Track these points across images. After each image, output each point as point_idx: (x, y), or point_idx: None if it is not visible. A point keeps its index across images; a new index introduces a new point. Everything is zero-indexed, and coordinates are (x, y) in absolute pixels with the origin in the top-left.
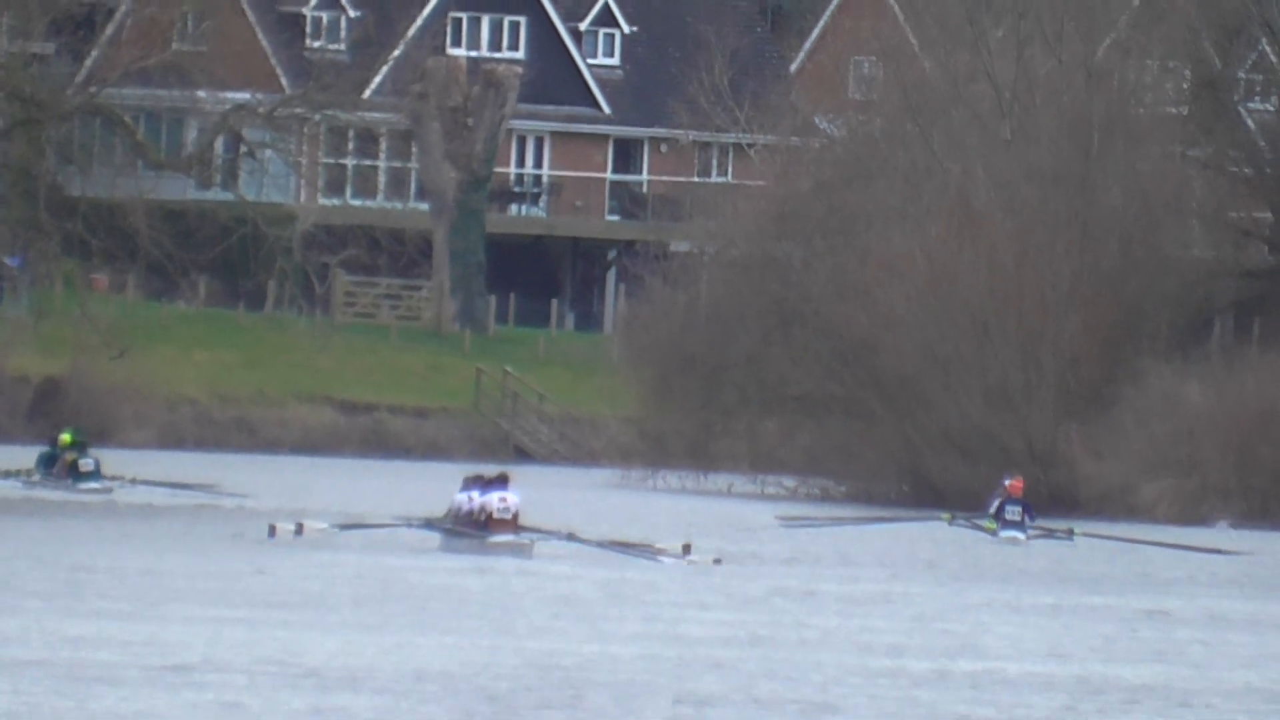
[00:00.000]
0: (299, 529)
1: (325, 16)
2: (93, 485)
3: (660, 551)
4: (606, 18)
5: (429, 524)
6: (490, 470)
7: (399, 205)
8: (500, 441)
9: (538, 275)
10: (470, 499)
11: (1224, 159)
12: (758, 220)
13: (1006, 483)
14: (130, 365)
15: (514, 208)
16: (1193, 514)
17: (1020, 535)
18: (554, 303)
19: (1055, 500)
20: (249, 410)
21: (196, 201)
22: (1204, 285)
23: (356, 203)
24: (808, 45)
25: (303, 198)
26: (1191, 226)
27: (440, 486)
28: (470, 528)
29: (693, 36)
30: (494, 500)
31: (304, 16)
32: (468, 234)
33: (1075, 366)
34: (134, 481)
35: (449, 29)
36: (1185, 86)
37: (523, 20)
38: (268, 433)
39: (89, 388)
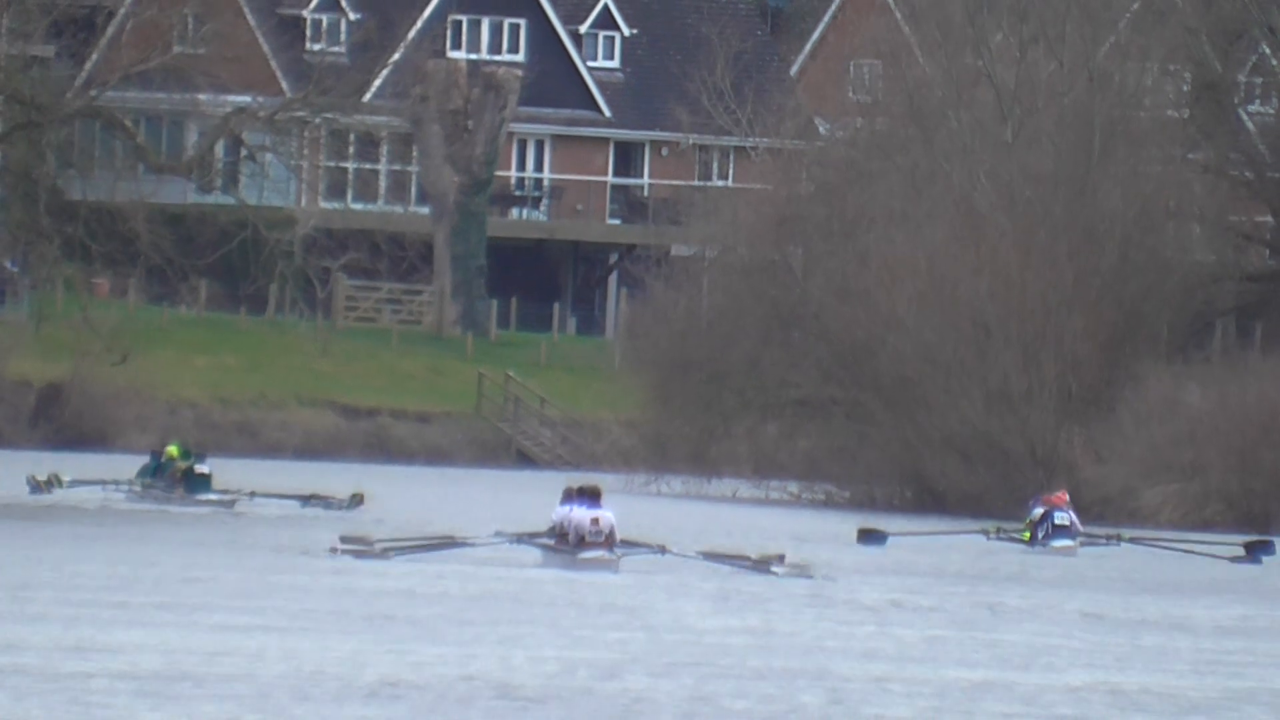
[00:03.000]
0: (363, 547)
1: (325, 19)
2: (210, 496)
3: (763, 562)
4: (607, 20)
5: (520, 539)
6: (580, 479)
7: (400, 209)
8: (503, 446)
9: (539, 279)
10: (569, 512)
11: (1225, 162)
12: (759, 224)
13: (1039, 501)
14: (131, 369)
15: (515, 211)
16: (1195, 518)
17: (1070, 542)
18: (555, 306)
19: None
20: (250, 414)
21: (197, 205)
22: (1205, 289)
23: (357, 206)
24: (808, 48)
25: (303, 201)
26: (1192, 230)
27: (541, 499)
28: (564, 543)
29: (693, 39)
30: (586, 521)
31: (304, 19)
32: (469, 237)
33: (1077, 370)
34: (253, 495)
35: (449, 32)
36: (1186, 90)
37: (523, 23)
38: (269, 436)
39: (90, 392)
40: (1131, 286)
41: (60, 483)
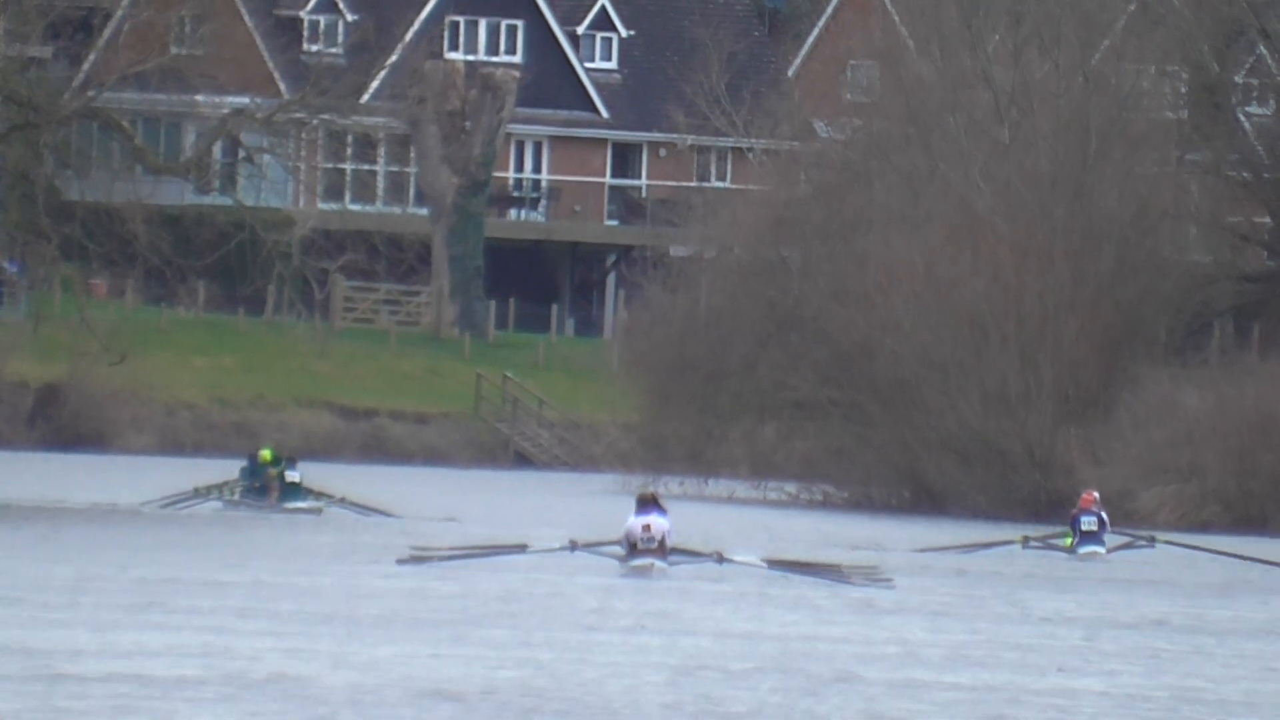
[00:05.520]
0: (421, 556)
1: (323, 20)
2: (299, 504)
3: (832, 569)
4: (604, 21)
5: (576, 547)
6: (641, 485)
7: (398, 210)
8: (500, 447)
9: (537, 280)
10: (631, 520)
11: (1222, 164)
12: (756, 225)
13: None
14: (129, 370)
15: (513, 212)
16: (1193, 519)
17: (1099, 548)
18: (553, 308)
19: (1054, 506)
20: (248, 415)
21: (195, 206)
22: (1202, 290)
23: (355, 207)
24: (805, 49)
25: (301, 203)
26: (1189, 231)
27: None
28: (626, 549)
29: (690, 40)
30: (638, 530)
31: (301, 20)
32: (466, 238)
33: (1074, 371)
34: (342, 501)
35: (446, 33)
36: (1183, 91)
37: (520, 24)
38: (267, 437)
39: (88, 393)
40: (1129, 288)
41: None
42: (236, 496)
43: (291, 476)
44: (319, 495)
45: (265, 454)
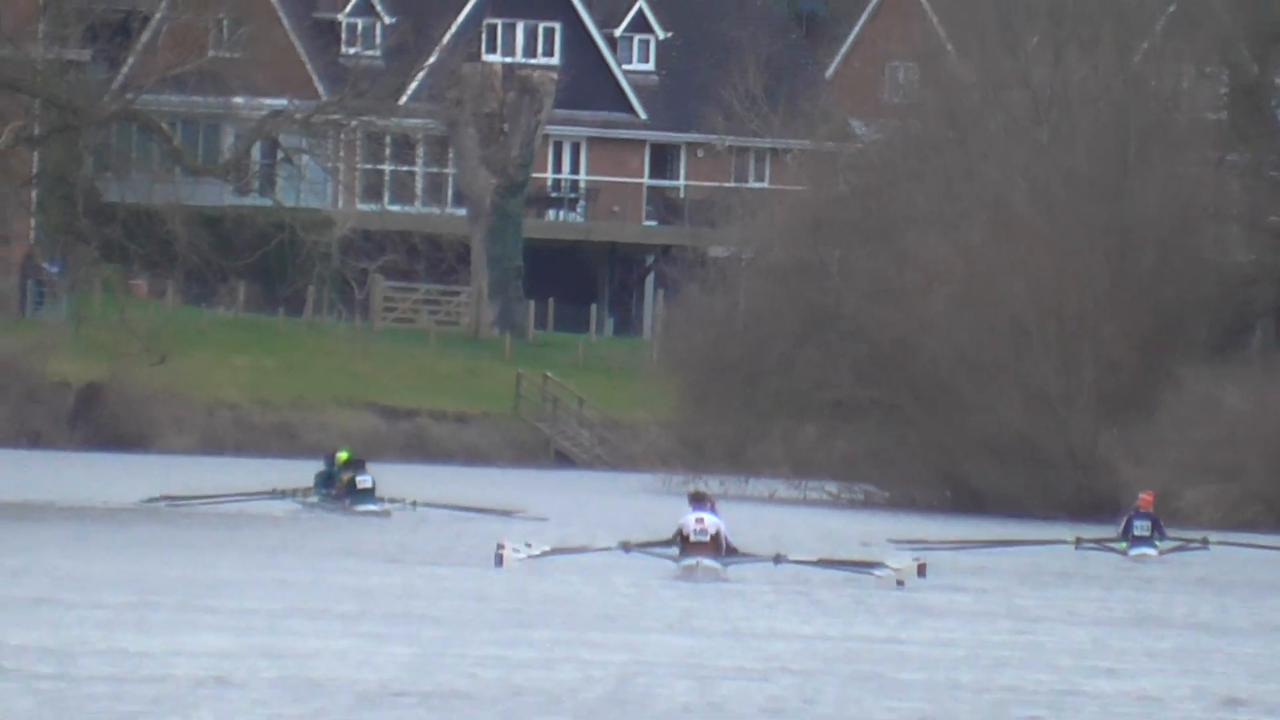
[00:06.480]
0: (498, 558)
1: (360, 23)
2: (370, 507)
3: (892, 571)
4: (641, 23)
5: (626, 547)
6: (694, 485)
7: (436, 210)
8: (541, 446)
9: (576, 280)
10: (683, 517)
11: (1262, 164)
12: (794, 225)
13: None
14: (170, 371)
15: (551, 213)
16: (1236, 519)
17: (1150, 551)
18: (592, 308)
19: (1096, 507)
20: (289, 415)
21: (234, 207)
22: (1243, 290)
23: (394, 208)
24: (843, 51)
25: (340, 203)
26: (1230, 231)
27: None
28: (672, 549)
29: (727, 42)
30: (690, 522)
31: (339, 23)
32: (505, 239)
33: (1114, 371)
34: (414, 504)
35: (484, 35)
36: (1222, 92)
37: (557, 26)
38: (308, 437)
39: (129, 394)
40: (1169, 288)
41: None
42: (315, 499)
43: (363, 483)
44: (393, 499)
45: (342, 455)
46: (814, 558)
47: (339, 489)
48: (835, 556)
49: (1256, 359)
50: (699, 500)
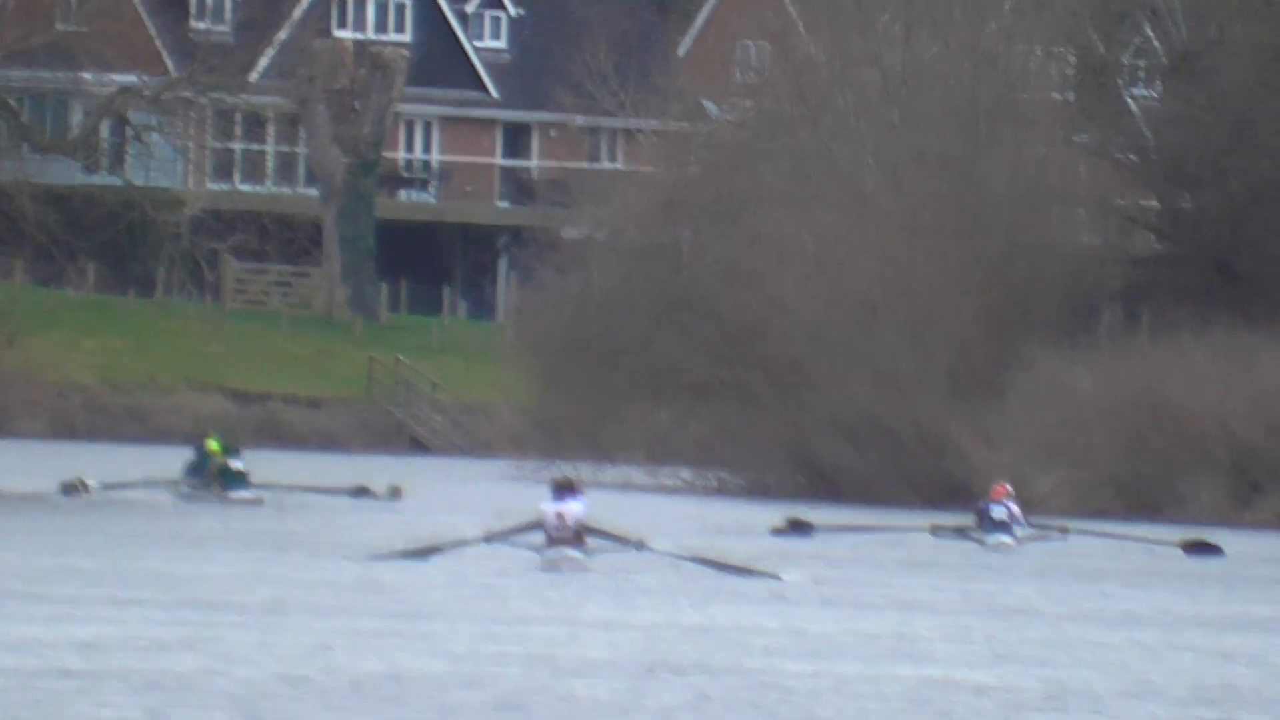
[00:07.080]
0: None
1: None
2: (244, 494)
3: (765, 569)
4: (493, 0)
5: (506, 538)
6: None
7: (288, 190)
8: (394, 431)
9: (429, 262)
10: (543, 506)
11: (1109, 145)
12: (647, 206)
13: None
14: (19, 352)
15: (404, 193)
16: (1086, 505)
17: (1008, 539)
18: (445, 290)
19: (951, 491)
20: (140, 399)
21: (84, 185)
22: (1091, 272)
23: (245, 188)
24: (695, 29)
25: (190, 182)
26: (1078, 213)
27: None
28: (536, 539)
29: (579, 19)
30: (551, 516)
31: None
32: (357, 219)
33: (965, 352)
34: (289, 488)
35: (335, 10)
36: (1070, 73)
37: (408, 2)
38: (159, 421)
39: None
40: (1018, 269)
41: (85, 488)
42: (184, 488)
43: (236, 465)
44: (263, 485)
45: (212, 444)
46: (686, 551)
47: (209, 475)
48: (705, 553)
49: (1106, 342)
50: (561, 490)
